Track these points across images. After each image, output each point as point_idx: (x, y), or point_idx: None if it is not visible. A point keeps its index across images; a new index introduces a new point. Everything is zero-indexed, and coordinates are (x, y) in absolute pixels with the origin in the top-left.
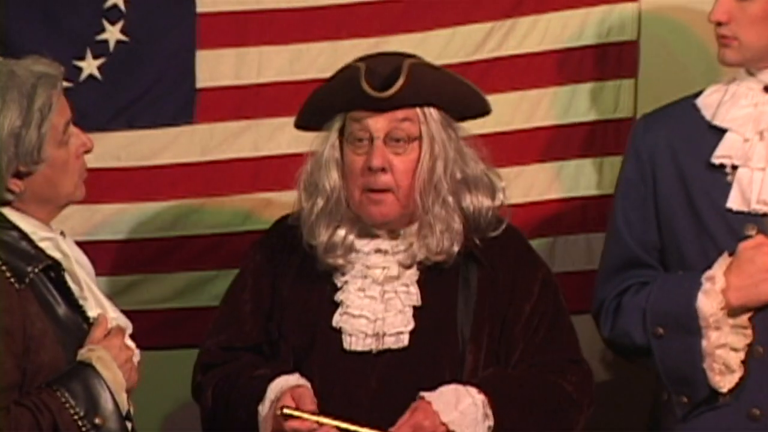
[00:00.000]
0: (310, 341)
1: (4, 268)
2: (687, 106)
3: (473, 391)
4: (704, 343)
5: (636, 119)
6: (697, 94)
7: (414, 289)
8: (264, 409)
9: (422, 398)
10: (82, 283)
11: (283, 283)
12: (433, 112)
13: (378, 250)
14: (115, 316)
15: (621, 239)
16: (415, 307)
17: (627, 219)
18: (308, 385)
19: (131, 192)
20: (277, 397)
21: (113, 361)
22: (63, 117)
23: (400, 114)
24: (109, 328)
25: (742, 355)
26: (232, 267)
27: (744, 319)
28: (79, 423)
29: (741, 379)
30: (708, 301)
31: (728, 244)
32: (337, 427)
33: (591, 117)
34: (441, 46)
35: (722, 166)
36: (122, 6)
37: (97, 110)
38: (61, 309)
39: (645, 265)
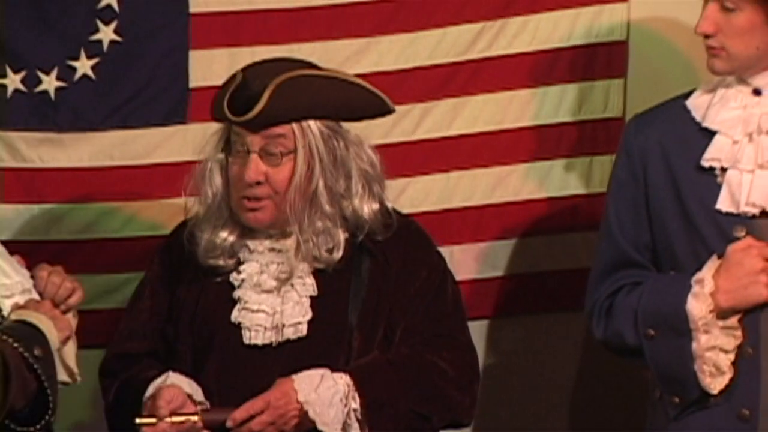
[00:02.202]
0: (210, 338)
1: None
2: (677, 106)
3: (340, 375)
4: (694, 345)
5: (625, 119)
6: (688, 94)
7: (310, 280)
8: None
9: (289, 378)
10: None
11: (181, 285)
12: (311, 125)
13: (272, 249)
14: (19, 279)
15: (613, 240)
16: (312, 297)
17: (619, 219)
18: (179, 382)
19: (125, 190)
20: (146, 402)
21: (40, 313)
22: None
23: (275, 130)
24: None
25: (732, 357)
26: None
27: (733, 320)
28: (22, 352)
29: (731, 380)
30: (697, 304)
31: (718, 245)
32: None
33: (580, 117)
34: (432, 46)
35: (712, 168)
36: (116, 6)
37: (91, 109)
38: None
39: (637, 265)
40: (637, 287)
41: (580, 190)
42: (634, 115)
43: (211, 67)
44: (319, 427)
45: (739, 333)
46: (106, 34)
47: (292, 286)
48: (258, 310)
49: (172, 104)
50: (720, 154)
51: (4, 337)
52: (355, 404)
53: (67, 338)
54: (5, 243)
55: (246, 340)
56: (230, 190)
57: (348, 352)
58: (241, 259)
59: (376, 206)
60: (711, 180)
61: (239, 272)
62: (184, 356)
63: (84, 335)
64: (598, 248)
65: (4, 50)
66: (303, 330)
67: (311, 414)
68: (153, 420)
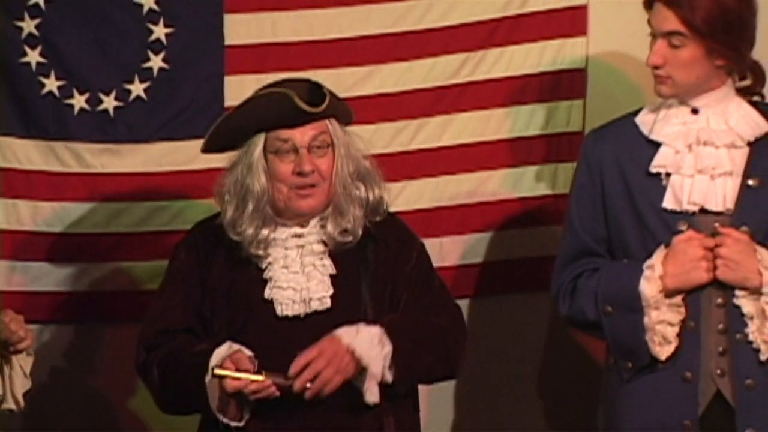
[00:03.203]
0: (246, 314)
1: None
2: (628, 122)
3: (372, 326)
4: (646, 320)
5: (584, 132)
6: (636, 113)
7: (328, 261)
8: (209, 376)
9: (329, 334)
10: None
11: (212, 272)
12: (335, 123)
13: (294, 235)
14: None
15: (575, 233)
16: (331, 276)
17: (580, 216)
18: (244, 349)
19: (171, 191)
20: (217, 364)
21: None
22: None
23: (317, 128)
24: None
25: (677, 329)
26: None
27: (678, 299)
28: None
29: (676, 348)
30: (649, 286)
31: (664, 237)
32: (273, 383)
33: (548, 131)
34: (425, 73)
35: (658, 173)
36: (164, 40)
37: (143, 125)
38: None
39: (595, 254)
40: (596, 272)
41: (548, 192)
42: (591, 129)
43: (242, 90)
44: (366, 362)
45: (682, 309)
46: (156, 62)
47: (314, 266)
48: (287, 287)
49: (210, 120)
50: (665, 161)
51: None
52: (388, 347)
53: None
54: (72, 236)
55: (279, 313)
56: (275, 186)
57: (364, 320)
58: (269, 246)
59: (378, 192)
60: (657, 183)
61: (267, 256)
62: (220, 332)
63: (140, 311)
64: (562, 240)
65: (73, 76)
66: (327, 303)
67: (358, 353)
68: (239, 375)
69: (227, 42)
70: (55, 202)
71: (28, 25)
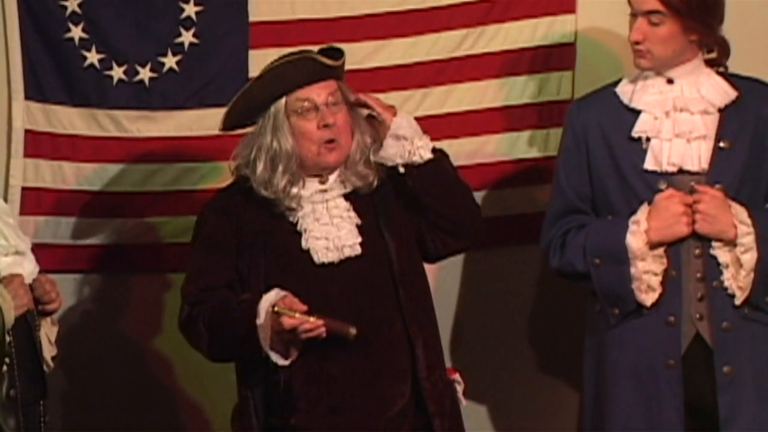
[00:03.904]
0: (284, 264)
1: None
2: (608, 93)
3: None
4: (633, 270)
5: (574, 100)
6: (615, 84)
7: (352, 213)
8: (260, 319)
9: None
10: None
11: (245, 231)
12: (341, 83)
13: (319, 191)
14: (15, 243)
15: (563, 192)
16: (357, 225)
17: (567, 177)
18: (291, 294)
19: (201, 154)
20: (271, 305)
21: (3, 288)
22: None
23: (329, 86)
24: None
25: (660, 278)
26: None
27: (661, 251)
28: None
29: (660, 295)
30: (634, 239)
31: (646, 195)
32: (324, 324)
33: (540, 99)
34: (429, 47)
35: (639, 138)
36: (194, 17)
37: (175, 94)
38: None
39: (582, 211)
40: (583, 228)
41: (540, 154)
42: (575, 99)
43: (265, 62)
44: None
45: (665, 260)
46: (187, 37)
47: (341, 217)
48: (321, 238)
49: (237, 90)
50: (645, 127)
51: None
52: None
53: (24, 311)
54: (111, 194)
55: (317, 260)
56: (302, 145)
57: (389, 261)
58: (300, 201)
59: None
60: (638, 147)
61: (299, 210)
62: (258, 285)
63: (173, 262)
64: (551, 198)
65: (112, 50)
66: (358, 249)
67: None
68: (297, 313)
69: (251, 19)
70: (96, 163)
71: (72, 4)
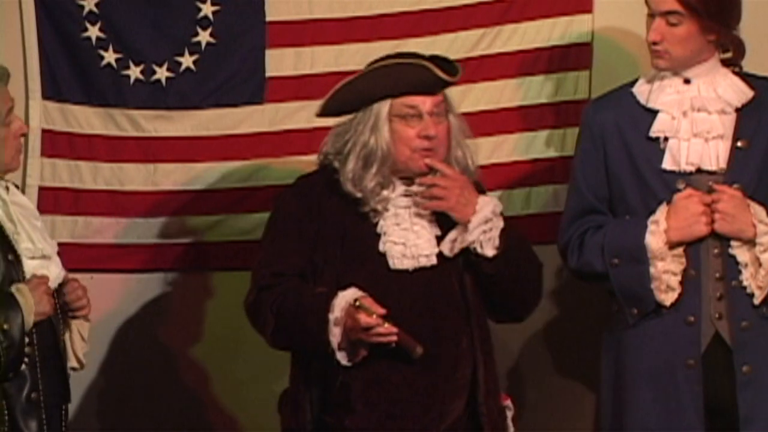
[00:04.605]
0: (359, 264)
1: None
2: (625, 93)
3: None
4: (652, 270)
5: (590, 100)
6: (632, 84)
7: (434, 223)
8: (334, 316)
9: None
10: (16, 222)
11: (324, 222)
12: (448, 94)
13: (404, 194)
14: (42, 246)
15: (580, 192)
16: (436, 236)
17: (585, 178)
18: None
19: (218, 154)
20: (348, 302)
21: (29, 291)
22: (5, 104)
23: (437, 97)
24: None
25: (679, 278)
26: None
27: (680, 250)
28: None
29: (679, 295)
30: (654, 239)
31: (664, 195)
32: (397, 333)
33: (557, 98)
34: (447, 46)
35: (657, 138)
36: (211, 16)
37: (192, 93)
38: None
39: (599, 212)
40: (601, 229)
41: (557, 154)
42: (592, 99)
43: (282, 62)
44: (478, 209)
45: (684, 260)
46: (204, 37)
47: (422, 225)
48: (399, 243)
49: (253, 90)
50: (663, 127)
51: None
52: (500, 224)
53: (43, 316)
54: (128, 193)
55: (392, 265)
56: (397, 147)
57: (461, 277)
58: (386, 205)
59: (473, 158)
60: (656, 147)
61: (381, 212)
62: (330, 280)
63: (182, 261)
64: (568, 199)
65: (129, 49)
66: (434, 260)
67: (480, 203)
68: (374, 313)
69: (268, 18)
70: (113, 163)
71: (89, 3)
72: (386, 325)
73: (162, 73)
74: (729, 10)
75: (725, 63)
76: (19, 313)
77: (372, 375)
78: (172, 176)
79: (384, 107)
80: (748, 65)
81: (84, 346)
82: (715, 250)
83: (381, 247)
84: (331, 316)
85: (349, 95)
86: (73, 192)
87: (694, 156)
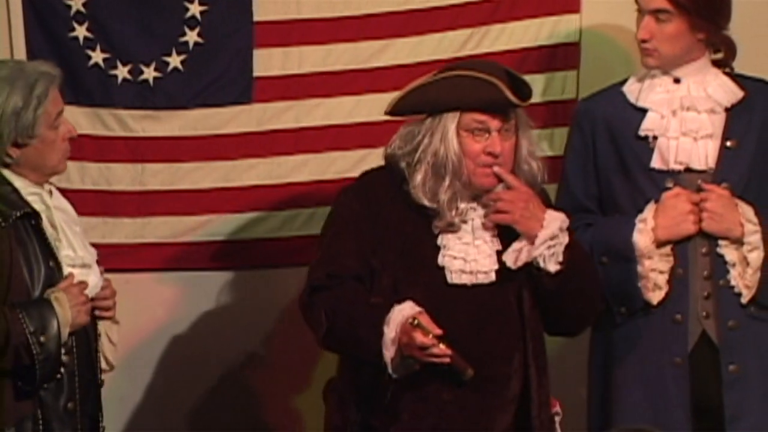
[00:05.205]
0: (417, 275)
1: None
2: (615, 92)
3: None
4: (639, 268)
5: (578, 100)
6: (622, 83)
7: (495, 238)
8: (389, 332)
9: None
10: (58, 228)
11: (385, 226)
12: (520, 112)
13: (470, 209)
14: (83, 254)
15: (570, 191)
16: (497, 251)
17: (574, 176)
18: (425, 312)
19: (206, 154)
20: (405, 317)
21: (67, 302)
22: (56, 107)
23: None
24: (75, 282)
25: (667, 276)
26: (278, 210)
27: (668, 249)
28: (28, 336)
29: (666, 294)
30: (641, 237)
31: (653, 194)
32: (450, 356)
33: (545, 98)
34: (434, 46)
35: (646, 136)
36: (199, 16)
37: (180, 93)
38: (34, 249)
39: (589, 210)
40: (590, 227)
41: (546, 153)
42: (582, 98)
43: (269, 62)
44: (546, 225)
45: (672, 258)
46: (191, 37)
47: (484, 240)
48: (459, 257)
49: (241, 90)
50: (652, 125)
51: (21, 316)
52: (565, 240)
53: (79, 326)
54: (116, 193)
55: (449, 280)
56: (464, 163)
57: (519, 294)
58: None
59: (544, 170)
60: (645, 146)
61: (458, 226)
62: (386, 287)
63: (174, 262)
64: (558, 197)
65: (116, 49)
66: (492, 276)
67: (547, 219)
68: (431, 332)
69: (256, 18)
70: (101, 162)
71: (76, 3)
72: (441, 346)
73: (149, 73)
74: (718, 8)
75: (717, 64)
76: (56, 324)
77: (421, 390)
78: (159, 176)
79: (454, 118)
80: (740, 66)
81: (112, 348)
82: (703, 249)
83: (440, 260)
84: (387, 330)
85: (420, 100)
86: (60, 192)
87: (682, 155)
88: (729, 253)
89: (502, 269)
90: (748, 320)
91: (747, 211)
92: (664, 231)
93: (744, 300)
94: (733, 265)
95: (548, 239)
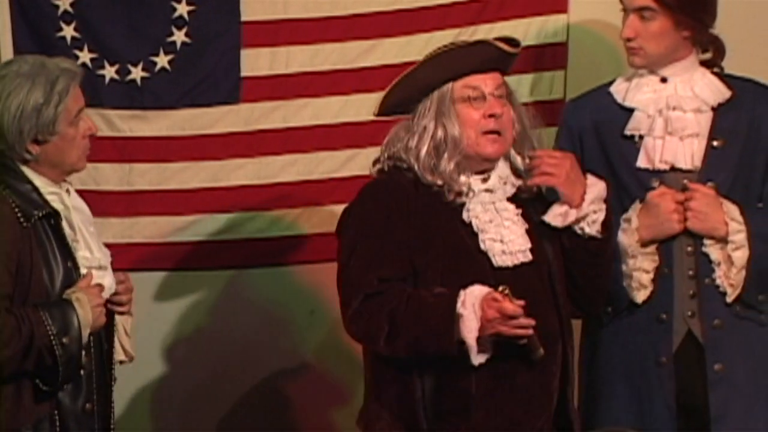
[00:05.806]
0: (463, 264)
1: (16, 209)
2: (602, 92)
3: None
4: (624, 267)
5: (566, 100)
6: (610, 83)
7: (520, 218)
8: (467, 311)
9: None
10: (76, 228)
11: (417, 224)
12: (511, 90)
13: (484, 190)
14: (99, 256)
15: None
16: (526, 230)
17: None
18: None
19: (193, 153)
20: (476, 298)
21: (88, 303)
22: (77, 103)
23: (497, 78)
24: (94, 283)
25: (652, 275)
26: (266, 209)
27: (653, 248)
28: (51, 337)
29: (652, 293)
30: (626, 237)
31: (638, 193)
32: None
33: (533, 98)
34: (422, 46)
35: (632, 136)
36: (186, 16)
37: (167, 93)
38: (52, 249)
39: None
40: None
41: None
42: (570, 99)
43: (257, 62)
44: (590, 185)
45: (657, 257)
46: (179, 37)
47: (513, 221)
48: (497, 240)
49: (228, 89)
50: (638, 125)
51: (44, 318)
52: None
53: (97, 329)
54: (103, 193)
55: (495, 263)
56: (464, 134)
57: (550, 272)
58: (468, 196)
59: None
60: (632, 145)
61: (467, 210)
62: (434, 281)
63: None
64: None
65: (104, 49)
66: (529, 255)
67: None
68: (518, 302)
69: (243, 18)
70: (88, 162)
71: (64, 3)
72: (526, 319)
73: (137, 73)
74: (702, 5)
75: (705, 64)
76: (77, 326)
77: (494, 377)
78: (147, 176)
79: (446, 92)
80: (729, 66)
81: (128, 340)
82: (689, 248)
83: (482, 246)
84: (464, 312)
85: (408, 90)
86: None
87: (668, 154)
88: (714, 252)
89: (535, 246)
90: (734, 319)
91: (732, 210)
92: (649, 230)
93: (729, 299)
94: (718, 264)
95: (594, 201)
